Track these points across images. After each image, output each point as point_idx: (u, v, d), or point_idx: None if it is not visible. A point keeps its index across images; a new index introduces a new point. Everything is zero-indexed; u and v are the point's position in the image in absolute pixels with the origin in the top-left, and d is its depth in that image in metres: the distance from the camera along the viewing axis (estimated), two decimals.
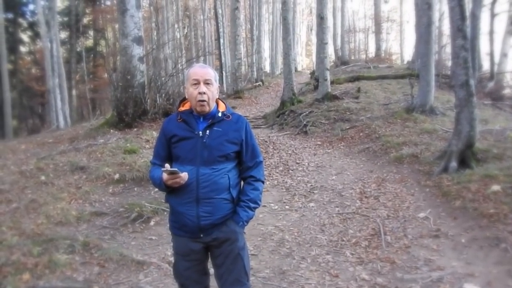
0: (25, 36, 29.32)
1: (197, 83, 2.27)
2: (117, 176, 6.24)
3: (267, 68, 32.04)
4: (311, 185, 6.75)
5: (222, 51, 20.38)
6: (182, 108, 2.41)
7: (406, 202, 5.55)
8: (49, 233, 4.50)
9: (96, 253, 4.14)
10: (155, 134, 8.77)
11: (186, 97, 2.38)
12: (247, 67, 27.89)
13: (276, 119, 13.11)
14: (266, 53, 32.55)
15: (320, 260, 4.11)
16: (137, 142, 8.13)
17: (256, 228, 5.09)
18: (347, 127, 10.47)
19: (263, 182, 2.50)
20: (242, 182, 2.45)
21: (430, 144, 7.65)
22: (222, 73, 20.37)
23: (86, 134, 9.82)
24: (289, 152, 9.21)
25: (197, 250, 2.33)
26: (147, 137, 8.56)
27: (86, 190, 5.82)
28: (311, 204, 5.87)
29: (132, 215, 5.06)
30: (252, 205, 2.38)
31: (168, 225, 2.47)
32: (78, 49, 29.09)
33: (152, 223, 5.06)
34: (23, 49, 29.47)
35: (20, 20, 28.25)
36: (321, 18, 13.06)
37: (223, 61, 20.15)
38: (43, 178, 6.40)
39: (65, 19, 28.47)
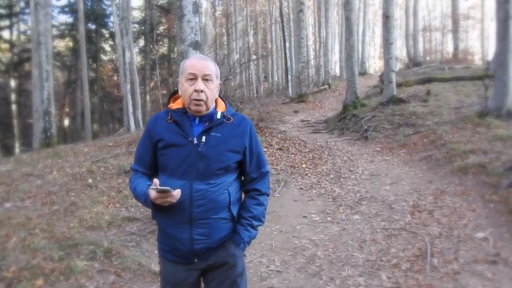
0: (106, 46, 31.28)
1: (193, 78, 1.86)
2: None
3: (337, 71, 31.24)
4: (361, 195, 6.22)
5: (287, 54, 20.12)
6: (173, 105, 1.97)
7: (464, 219, 4.87)
8: (77, 237, 4.50)
9: (116, 260, 4.05)
10: None
11: (179, 93, 1.95)
12: (315, 70, 27.39)
13: (337, 124, 12.57)
14: (336, 56, 31.76)
15: (350, 282, 3.66)
16: None
17: (289, 241, 4.74)
18: (411, 133, 9.67)
19: (268, 196, 2.12)
20: (243, 195, 2.09)
21: (502, 152, 6.75)
22: (287, 76, 20.08)
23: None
24: (344, 158, 8.69)
25: (190, 280, 1.98)
26: None
27: (126, 194, 5.82)
28: (356, 217, 5.37)
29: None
30: (256, 223, 2.03)
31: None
32: (153, 57, 30.41)
33: None
34: (104, 57, 31.48)
35: (103, 30, 30.20)
36: (386, 17, 12.32)
37: (288, 64, 19.88)
38: (90, 181, 6.56)
39: (142, 28, 29.85)
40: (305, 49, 18.43)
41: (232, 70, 10.54)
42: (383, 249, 4.31)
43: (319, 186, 6.87)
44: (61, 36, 28.82)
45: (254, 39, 29.68)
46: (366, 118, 11.59)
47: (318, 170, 7.84)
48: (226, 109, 2.00)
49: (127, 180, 6.38)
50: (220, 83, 2.00)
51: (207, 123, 1.90)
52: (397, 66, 25.48)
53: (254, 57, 21.85)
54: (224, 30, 27.70)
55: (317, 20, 27.54)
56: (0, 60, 28.32)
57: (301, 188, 6.73)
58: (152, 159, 1.97)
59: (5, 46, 28.31)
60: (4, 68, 27.82)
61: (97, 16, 28.04)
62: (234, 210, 1.96)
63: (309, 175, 7.50)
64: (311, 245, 4.58)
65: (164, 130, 1.91)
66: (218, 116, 1.93)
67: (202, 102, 1.87)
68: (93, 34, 28.74)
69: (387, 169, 7.63)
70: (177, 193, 1.78)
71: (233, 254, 1.96)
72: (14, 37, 28.19)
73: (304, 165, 8.08)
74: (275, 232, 5.05)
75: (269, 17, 27.81)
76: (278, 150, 8.89)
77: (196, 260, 1.92)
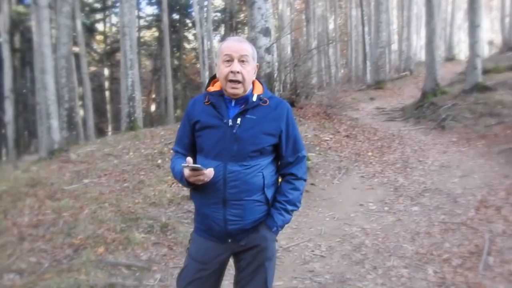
0: (189, 35, 32.52)
1: (230, 59, 1.86)
2: None
3: (422, 57, 29.51)
4: (425, 187, 5.95)
5: (366, 39, 19.46)
6: (211, 88, 2.00)
7: None
8: (140, 212, 4.87)
9: (170, 235, 4.34)
10: None
11: (217, 75, 1.98)
12: (397, 56, 26.14)
13: (413, 112, 11.98)
14: (422, 41, 29.95)
15: (393, 273, 3.57)
16: None
17: (340, 228, 4.71)
18: (493, 123, 8.94)
19: (305, 181, 2.09)
20: (279, 179, 2.07)
21: None
22: (365, 62, 19.45)
23: None
24: (415, 148, 8.31)
25: (220, 260, 2.00)
26: None
27: None
28: (414, 208, 5.17)
29: None
30: (290, 207, 2.00)
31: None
32: None
33: None
34: (187, 46, 32.78)
35: (186, 20, 31.42)
36: None
37: (366, 50, 19.23)
38: (159, 161, 7.00)
39: (222, 16, 30.56)
40: (385, 34, 17.70)
41: (301, 56, 10.50)
42: (436, 243, 4.12)
43: (382, 175, 6.67)
44: (148, 26, 30.47)
45: (334, 24, 29.05)
46: (446, 106, 10.89)
47: (384, 159, 7.60)
48: (263, 91, 1.99)
49: None
50: (257, 65, 1.99)
51: (243, 105, 1.92)
52: (486, 50, 23.49)
53: (328, 43, 21.35)
54: (303, 16, 27.43)
55: (401, 3, 26.18)
56: (95, 50, 30.84)
57: (363, 176, 6.59)
58: (191, 141, 2.01)
59: (100, 37, 30.72)
60: (98, 58, 30.23)
61: (180, 6, 29.21)
62: (269, 193, 1.95)
63: (374, 163, 7.30)
64: (361, 233, 4.52)
65: (201, 112, 1.94)
66: (254, 98, 1.93)
67: (239, 85, 1.87)
68: (177, 24, 30.03)
69: (460, 161, 7.17)
70: (209, 171, 1.80)
71: (265, 237, 1.96)
72: (107, 29, 30.45)
73: (370, 153, 7.87)
74: (328, 218, 5.04)
75: (349, 1, 26.99)
76: (344, 137, 8.74)
77: (229, 241, 1.94)
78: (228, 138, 1.87)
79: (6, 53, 17.74)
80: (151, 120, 30.24)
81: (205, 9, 19.68)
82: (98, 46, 31.10)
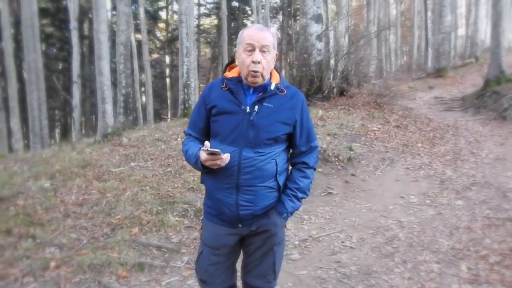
0: (248, 22, 32.63)
1: (252, 49, 1.86)
2: None
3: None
4: (474, 180, 5.64)
5: (428, 25, 18.48)
6: (229, 74, 2.01)
7: None
8: (178, 196, 5.04)
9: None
10: (321, 112, 8.72)
11: (237, 63, 1.99)
12: (463, 42, 24.62)
13: (474, 102, 11.29)
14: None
15: (422, 267, 3.45)
16: None
17: (375, 220, 4.60)
18: None
19: (315, 170, 2.13)
20: (290, 167, 2.12)
21: None
22: (426, 49, 18.51)
23: None
24: (470, 139, 7.87)
25: (231, 244, 2.05)
26: (312, 116, 8.52)
27: None
28: (459, 202, 4.93)
29: None
30: (300, 194, 2.03)
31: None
32: (290, 32, 30.78)
33: None
34: None
35: (246, 7, 31.54)
36: None
37: (429, 36, 18.27)
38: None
39: (280, 3, 30.33)
40: (448, 19, 16.73)
41: (353, 42, 10.21)
42: (475, 239, 3.92)
43: (429, 167, 6.40)
44: (208, 14, 30.95)
45: (397, 10, 27.90)
46: (510, 95, 10.17)
47: (434, 150, 7.27)
48: (280, 81, 2.01)
49: None
50: (276, 54, 1.99)
51: (261, 93, 1.93)
52: None
53: (380, 30, 20.50)
54: (365, 1, 26.57)
55: None
56: (158, 38, 31.85)
57: (408, 168, 6.36)
58: (205, 125, 2.02)
59: (162, 25, 31.67)
60: (160, 45, 31.22)
61: None
62: (281, 180, 1.98)
63: (422, 155, 7.01)
64: (396, 226, 4.38)
65: (218, 97, 1.95)
66: (272, 87, 1.94)
67: (258, 74, 1.88)
68: (236, 11, 30.23)
69: None
70: (226, 156, 1.81)
71: (275, 223, 1.99)
72: (169, 17, 31.31)
73: (419, 144, 7.56)
74: (364, 210, 4.93)
75: None
76: (394, 128, 8.45)
77: (240, 226, 1.98)
78: (245, 124, 1.89)
79: (75, 40, 18.79)
80: None
81: None
82: (161, 34, 32.09)
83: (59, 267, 3.49)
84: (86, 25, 25.53)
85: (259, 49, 1.87)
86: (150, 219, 4.34)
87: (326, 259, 3.73)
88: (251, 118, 1.89)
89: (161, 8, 31.34)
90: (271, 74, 2.00)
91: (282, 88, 1.98)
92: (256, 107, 1.90)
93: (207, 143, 1.81)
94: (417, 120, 9.25)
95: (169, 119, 16.23)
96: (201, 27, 31.13)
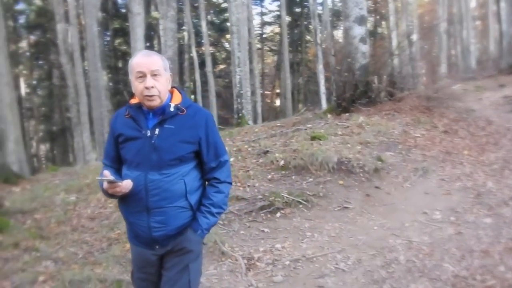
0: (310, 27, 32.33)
1: (142, 75, 1.93)
2: (282, 162, 6.28)
3: None
4: None
5: (502, 17, 16.84)
6: (132, 101, 2.08)
7: None
8: None
9: None
10: (361, 119, 8.30)
11: (133, 91, 2.04)
12: None
13: None
14: None
15: None
16: (334, 128, 7.89)
17: (383, 239, 4.21)
18: None
19: (230, 184, 2.16)
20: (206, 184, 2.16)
21: None
22: (501, 44, 16.89)
23: (307, 119, 10.22)
24: None
25: (152, 262, 2.11)
26: (351, 123, 8.15)
27: (249, 174, 6.12)
28: (486, 220, 4.36)
29: (260, 203, 5.05)
30: (215, 210, 2.07)
31: None
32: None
33: (278, 214, 4.91)
34: (311, 40, 32.63)
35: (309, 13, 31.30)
36: None
37: (503, 29, 16.64)
38: (231, 159, 7.11)
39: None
40: None
41: (399, 44, 9.60)
42: (488, 265, 3.42)
43: (469, 178, 5.76)
44: (269, 23, 31.15)
45: (470, 3, 25.88)
46: None
47: (481, 158, 6.55)
48: (181, 100, 2.04)
49: (260, 161, 6.71)
50: (170, 75, 2.04)
51: (161, 116, 1.98)
52: None
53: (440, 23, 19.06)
54: None
55: None
56: (225, 48, 32.61)
57: (443, 180, 5.78)
58: (116, 153, 2.10)
59: (229, 35, 32.37)
60: (226, 55, 31.95)
61: (302, 0, 29.17)
62: (192, 199, 2.02)
63: (465, 164, 6.34)
64: (403, 247, 3.97)
65: (122, 125, 2.04)
66: (171, 108, 1.99)
67: (155, 97, 1.94)
68: (299, 18, 30.07)
69: None
70: (126, 183, 1.91)
71: (189, 240, 2.03)
72: None
73: (466, 152, 6.86)
74: (376, 227, 4.55)
75: None
76: (441, 133, 7.76)
77: (157, 247, 2.04)
78: (147, 148, 1.96)
79: None
80: (276, 114, 30.91)
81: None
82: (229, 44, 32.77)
83: (45, 281, 3.62)
84: (155, 42, 26.83)
85: (150, 74, 1.92)
86: None
87: (311, 283, 3.48)
88: (152, 141, 1.95)
89: (227, 19, 32.10)
90: (172, 95, 2.05)
91: (183, 108, 2.01)
92: (157, 130, 1.96)
93: (106, 172, 1.91)
94: (471, 124, 8.42)
95: (219, 128, 16.44)
96: (264, 35, 31.35)
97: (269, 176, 6.02)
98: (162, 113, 1.98)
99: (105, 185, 1.92)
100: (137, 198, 1.97)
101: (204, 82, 24.33)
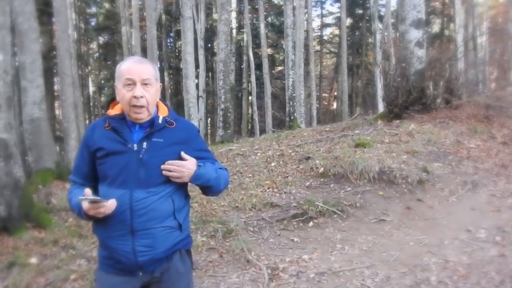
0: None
1: (131, 83, 1.74)
2: (321, 170, 6.15)
3: None
4: None
5: None
6: (111, 112, 1.87)
7: None
8: (219, 215, 5.08)
9: (228, 242, 4.39)
10: (412, 126, 7.95)
11: (117, 99, 1.84)
12: None
13: None
14: None
15: None
16: (381, 135, 7.62)
17: (418, 256, 3.99)
18: None
19: (227, 171, 1.98)
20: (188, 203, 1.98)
21: None
22: None
23: (357, 124, 9.96)
24: None
25: None
26: (401, 130, 7.83)
27: (288, 181, 6.06)
28: None
29: (293, 211, 4.98)
30: (216, 174, 1.87)
31: None
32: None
33: (310, 224, 4.81)
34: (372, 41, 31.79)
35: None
36: None
37: None
38: (272, 164, 7.09)
39: None
40: None
41: (457, 48, 9.07)
42: None
43: None
44: (329, 25, 30.72)
45: None
46: None
47: None
48: (168, 113, 1.88)
49: (301, 167, 6.63)
50: (160, 85, 1.88)
51: (148, 129, 1.81)
52: None
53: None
54: None
55: None
56: (283, 49, 32.64)
57: (493, 195, 5.38)
58: (90, 170, 1.87)
59: None
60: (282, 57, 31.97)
61: (364, 1, 28.49)
62: (180, 217, 1.84)
63: None
64: (437, 266, 3.74)
65: (102, 138, 1.81)
66: (160, 121, 1.83)
67: (143, 109, 1.77)
68: (360, 20, 29.40)
69: None
70: (110, 203, 1.70)
71: (177, 270, 1.88)
72: None
73: None
74: (412, 243, 4.32)
75: None
76: (499, 145, 7.23)
77: (140, 274, 1.82)
78: (134, 164, 1.76)
79: (202, 58, 20.37)
80: (333, 118, 30.45)
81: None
82: None
83: (76, 280, 3.79)
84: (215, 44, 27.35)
85: (140, 82, 1.74)
86: None
87: None
88: (140, 156, 1.76)
89: None
90: (158, 107, 1.87)
91: (171, 120, 1.85)
92: (145, 143, 1.77)
93: (87, 190, 1.69)
94: None
95: (271, 131, 16.45)
96: (324, 37, 30.95)
97: (307, 183, 5.93)
98: (150, 126, 1.81)
99: (86, 205, 1.69)
100: (120, 219, 1.74)
101: (261, 84, 24.52)
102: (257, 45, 25.52)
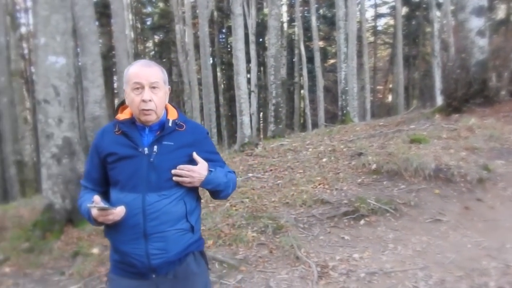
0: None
1: (139, 87, 1.76)
2: (374, 166, 6.01)
3: None
4: None
5: None
6: (121, 116, 1.88)
7: None
8: (269, 211, 5.10)
9: (278, 238, 4.41)
10: (473, 121, 7.57)
11: (126, 103, 1.86)
12: None
13: None
14: None
15: None
16: (439, 131, 7.32)
17: (477, 260, 3.80)
18: None
19: (235, 173, 2.02)
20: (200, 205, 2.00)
21: None
22: None
23: (412, 118, 9.63)
24: None
25: None
26: (460, 125, 7.48)
27: (339, 177, 5.98)
28: None
29: (344, 209, 4.90)
30: (226, 179, 1.91)
31: None
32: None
33: (362, 222, 4.72)
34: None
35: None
36: None
37: None
38: (323, 160, 7.02)
39: None
40: None
41: None
42: None
43: None
44: (383, 15, 29.82)
45: None
46: None
47: None
48: (178, 116, 1.90)
49: (352, 163, 6.51)
50: (169, 88, 1.90)
51: (159, 132, 1.83)
52: None
53: None
54: None
55: None
56: (336, 42, 32.05)
57: None
58: (101, 175, 1.89)
59: None
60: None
61: None
62: (192, 219, 1.86)
63: None
64: (497, 271, 3.54)
65: (112, 143, 1.83)
66: (170, 124, 1.84)
67: (151, 111, 1.78)
68: (417, 8, 28.24)
69: None
70: (119, 210, 1.72)
71: (192, 270, 1.88)
72: None
73: None
74: (470, 245, 4.12)
75: None
76: None
77: (154, 276, 1.83)
78: (145, 167, 1.77)
79: (253, 53, 20.51)
80: (388, 111, 29.59)
81: None
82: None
83: None
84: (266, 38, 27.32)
85: (148, 86, 1.76)
86: (228, 233, 4.54)
87: None
88: (151, 159, 1.78)
89: None
90: (167, 110, 1.90)
91: (181, 123, 1.87)
92: (155, 147, 1.79)
93: (96, 197, 1.71)
94: None
95: (323, 125, 16.25)
96: (378, 28, 30.06)
97: (359, 180, 5.82)
98: (160, 129, 1.83)
99: (95, 212, 1.72)
100: (132, 224, 1.76)
101: (313, 77, 24.29)
102: (308, 38, 25.24)
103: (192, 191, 1.89)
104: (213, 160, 1.91)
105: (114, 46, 11.85)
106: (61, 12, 5.10)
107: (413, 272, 3.67)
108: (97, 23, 8.63)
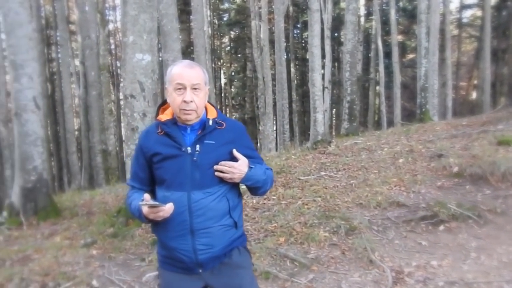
0: None
1: (182, 87, 1.81)
2: (456, 169, 5.67)
3: None
4: None
5: None
6: (163, 117, 1.94)
7: None
8: (342, 211, 5.02)
9: (351, 239, 4.34)
10: None
11: (168, 101, 1.91)
12: None
13: None
14: None
15: None
16: None
17: None
18: None
19: (272, 171, 2.02)
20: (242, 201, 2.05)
21: None
22: None
23: (501, 118, 9.00)
24: None
25: None
26: None
27: (417, 179, 5.73)
28: None
29: (421, 213, 4.69)
30: (265, 176, 1.94)
31: None
32: None
33: (441, 227, 4.49)
34: None
35: None
36: None
37: None
38: (400, 161, 6.78)
39: None
40: None
41: None
42: None
43: None
44: (469, 6, 27.89)
45: None
46: None
47: None
48: (217, 115, 1.95)
49: (432, 165, 6.23)
50: (208, 89, 1.94)
51: (200, 131, 1.88)
52: None
53: None
54: None
55: None
56: (416, 35, 30.56)
57: None
58: (148, 175, 1.96)
59: None
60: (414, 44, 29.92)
61: None
62: (235, 215, 1.92)
63: None
64: None
65: (156, 144, 1.89)
66: (210, 123, 1.89)
67: (192, 111, 1.84)
68: None
69: None
70: (169, 207, 1.77)
71: (237, 264, 1.94)
72: None
73: None
74: None
75: None
76: None
77: (200, 271, 1.90)
78: (189, 166, 1.83)
79: (328, 48, 20.21)
80: (471, 109, 27.75)
81: None
82: None
83: None
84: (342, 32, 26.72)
85: (190, 87, 1.81)
86: (300, 231, 4.54)
87: None
88: (194, 158, 1.83)
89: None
90: (207, 109, 1.94)
91: (221, 121, 1.92)
92: (198, 146, 1.85)
93: (146, 196, 1.77)
94: None
95: (400, 124, 15.59)
96: (463, 20, 28.20)
97: (439, 183, 5.55)
98: (201, 128, 1.88)
99: (146, 210, 1.77)
100: (179, 220, 1.83)
101: (390, 73, 23.40)
102: (386, 32, 24.28)
103: (234, 188, 1.95)
104: (252, 156, 1.95)
105: (193, 42, 12.26)
106: (148, 11, 5.37)
107: (499, 285, 3.44)
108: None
